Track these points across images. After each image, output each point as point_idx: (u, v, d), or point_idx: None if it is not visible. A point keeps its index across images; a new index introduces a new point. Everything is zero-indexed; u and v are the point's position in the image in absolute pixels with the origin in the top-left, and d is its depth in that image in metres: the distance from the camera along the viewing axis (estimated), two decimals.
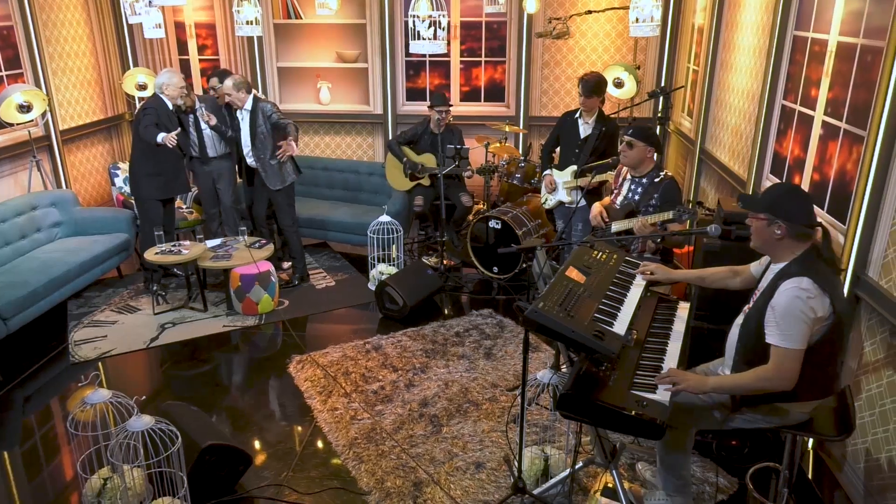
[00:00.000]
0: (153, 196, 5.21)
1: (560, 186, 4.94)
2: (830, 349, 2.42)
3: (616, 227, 3.88)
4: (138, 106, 7.08)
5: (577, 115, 4.87)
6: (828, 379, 2.48)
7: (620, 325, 2.59)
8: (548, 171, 5.02)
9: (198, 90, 7.32)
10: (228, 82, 5.11)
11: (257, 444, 3.56)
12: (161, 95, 5.06)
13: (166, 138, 4.77)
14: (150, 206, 5.24)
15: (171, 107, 5.10)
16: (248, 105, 5.15)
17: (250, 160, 5.30)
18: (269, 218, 5.97)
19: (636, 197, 3.86)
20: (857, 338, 3.06)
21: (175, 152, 5.13)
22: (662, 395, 2.39)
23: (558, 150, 5.09)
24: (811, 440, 3.30)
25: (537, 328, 2.46)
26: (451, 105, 5.83)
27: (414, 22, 4.18)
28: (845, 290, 3.04)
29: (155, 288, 5.25)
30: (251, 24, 5.23)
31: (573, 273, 2.83)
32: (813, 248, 2.42)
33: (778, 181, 4.08)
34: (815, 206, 2.50)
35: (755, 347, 2.44)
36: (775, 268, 2.50)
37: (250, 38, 6.91)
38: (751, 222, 2.50)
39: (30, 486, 3.29)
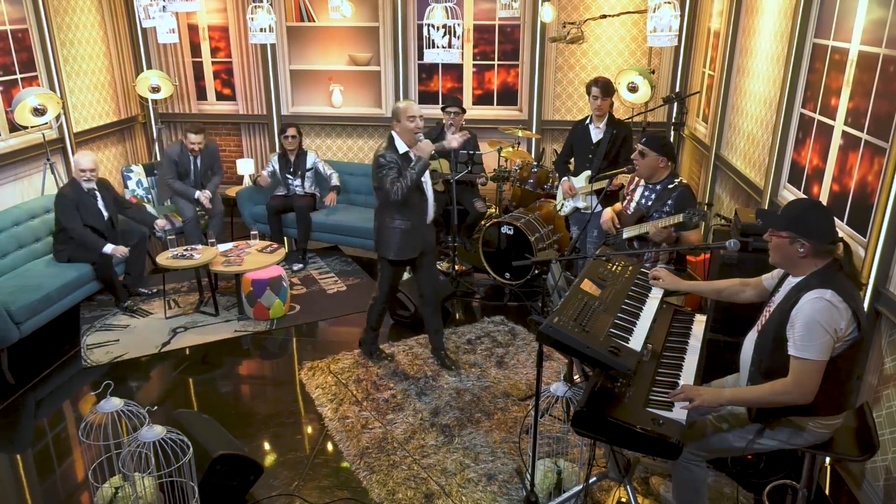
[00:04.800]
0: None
1: (576, 192, 4.91)
2: (850, 365, 2.37)
3: (627, 233, 3.84)
4: (151, 109, 7.17)
5: (588, 121, 4.83)
6: (843, 395, 2.43)
7: (636, 341, 2.54)
8: (566, 178, 4.98)
9: (211, 97, 7.35)
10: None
11: (268, 452, 3.55)
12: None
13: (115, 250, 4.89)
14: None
15: (86, 188, 4.92)
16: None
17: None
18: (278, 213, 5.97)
19: (648, 203, 3.81)
20: (878, 353, 3.00)
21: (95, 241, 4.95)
22: (679, 413, 2.35)
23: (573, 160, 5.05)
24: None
25: (552, 343, 2.43)
26: (464, 110, 5.77)
27: (429, 30, 4.13)
28: (865, 305, 2.99)
29: (126, 305, 5.17)
30: (265, 31, 5.21)
31: (588, 286, 2.79)
32: (834, 263, 2.38)
33: (795, 190, 4.03)
34: (835, 219, 2.45)
35: (774, 360, 2.39)
36: (793, 281, 2.46)
37: None
38: (769, 238, 2.45)
39: (41, 490, 3.30)
